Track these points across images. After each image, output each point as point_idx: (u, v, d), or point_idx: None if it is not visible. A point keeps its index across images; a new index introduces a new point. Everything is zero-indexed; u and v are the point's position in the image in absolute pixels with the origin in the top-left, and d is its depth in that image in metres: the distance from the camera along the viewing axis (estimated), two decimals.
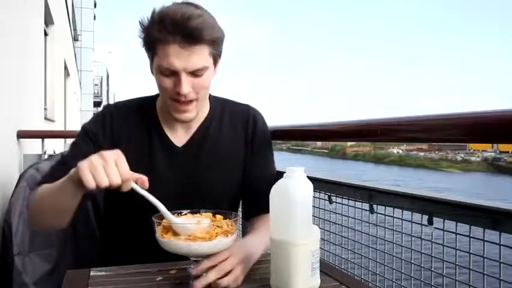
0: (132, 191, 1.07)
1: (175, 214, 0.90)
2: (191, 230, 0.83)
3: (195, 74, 1.03)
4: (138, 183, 0.86)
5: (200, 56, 1.02)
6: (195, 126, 1.16)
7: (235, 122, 1.20)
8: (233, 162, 1.18)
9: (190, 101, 1.06)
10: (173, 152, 1.13)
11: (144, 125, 1.14)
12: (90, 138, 1.10)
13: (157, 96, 1.19)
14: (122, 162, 0.84)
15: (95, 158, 0.83)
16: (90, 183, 0.81)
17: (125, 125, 1.14)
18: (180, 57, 1.00)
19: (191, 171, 1.13)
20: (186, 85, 1.02)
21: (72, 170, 0.88)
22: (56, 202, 0.95)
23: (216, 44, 1.06)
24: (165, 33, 0.99)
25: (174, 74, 1.02)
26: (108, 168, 0.82)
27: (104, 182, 0.81)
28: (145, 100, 1.19)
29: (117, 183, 0.83)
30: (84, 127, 1.15)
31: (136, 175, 0.86)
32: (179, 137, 1.15)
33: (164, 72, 1.03)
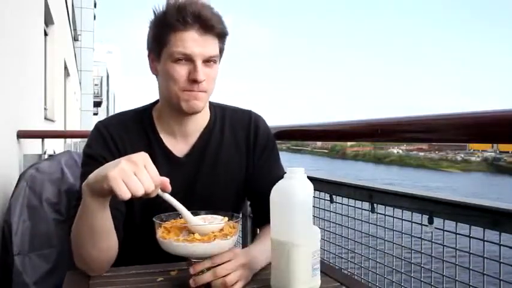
0: None
1: (176, 216, 0.91)
2: (205, 229, 0.84)
3: (208, 62, 1.04)
4: (161, 187, 0.84)
5: (214, 45, 1.05)
6: (195, 136, 1.14)
7: (236, 130, 1.18)
8: (235, 171, 1.16)
9: (201, 91, 1.05)
10: (174, 163, 1.11)
11: (143, 138, 1.12)
12: (100, 162, 0.96)
13: (152, 106, 1.17)
14: (152, 167, 0.80)
15: (125, 164, 0.77)
16: (125, 194, 0.76)
17: (126, 141, 1.10)
18: (198, 43, 1.02)
19: (192, 181, 1.12)
20: (202, 72, 1.02)
21: (92, 180, 0.82)
22: (88, 228, 0.90)
23: (223, 39, 1.08)
24: (183, 20, 1.00)
25: (189, 61, 1.02)
26: (141, 175, 0.78)
27: (140, 191, 0.77)
28: (140, 113, 1.16)
29: (151, 190, 0.79)
30: (88, 153, 1.09)
31: (161, 178, 0.83)
32: (179, 148, 1.13)
33: (178, 60, 1.02)
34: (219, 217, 0.89)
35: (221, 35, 1.07)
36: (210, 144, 1.15)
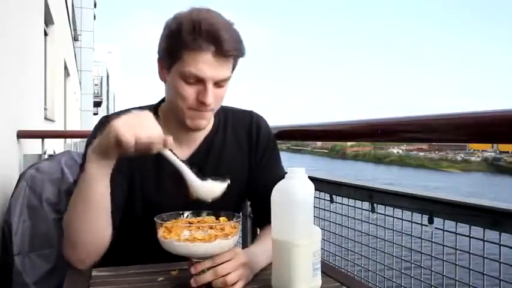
0: (135, 191, 1.07)
1: (177, 215, 0.92)
2: (210, 194, 0.88)
3: (218, 84, 1.02)
4: (164, 143, 0.86)
5: (227, 67, 1.02)
6: (199, 139, 1.14)
7: (238, 131, 1.18)
8: (237, 171, 1.16)
9: (208, 111, 1.04)
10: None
11: None
12: None
13: (157, 106, 1.16)
14: (154, 121, 0.84)
15: (128, 116, 0.83)
16: (129, 140, 0.80)
17: None
18: (211, 67, 0.98)
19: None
20: (212, 95, 1.00)
21: (97, 140, 0.86)
22: (85, 201, 0.90)
23: (239, 58, 1.05)
24: (199, 41, 0.96)
25: (199, 82, 1.00)
26: (144, 125, 0.82)
27: (144, 136, 0.81)
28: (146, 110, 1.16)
29: (153, 138, 0.83)
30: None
31: (163, 135, 0.85)
32: (183, 150, 1.12)
33: (188, 80, 0.99)
34: (219, 183, 0.91)
35: (236, 56, 1.04)
36: (214, 146, 1.15)
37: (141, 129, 0.81)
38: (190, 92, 1.01)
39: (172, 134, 1.11)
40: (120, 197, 1.05)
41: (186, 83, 1.00)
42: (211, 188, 0.90)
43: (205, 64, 0.98)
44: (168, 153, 0.88)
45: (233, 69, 1.06)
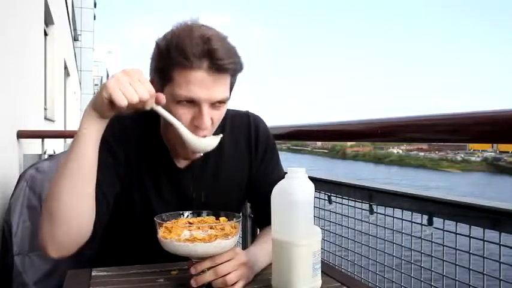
0: (133, 193, 1.07)
1: (177, 215, 0.92)
2: (202, 147, 0.93)
3: (215, 105, 0.95)
4: (156, 100, 0.87)
5: (224, 85, 0.95)
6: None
7: (236, 135, 1.16)
8: (237, 176, 1.15)
9: (204, 136, 0.97)
10: (176, 174, 1.09)
11: (147, 143, 1.08)
12: (104, 144, 0.93)
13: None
14: (145, 80, 0.85)
15: (120, 75, 0.83)
16: (122, 101, 0.81)
17: (132, 140, 1.07)
18: (205, 86, 0.91)
19: (194, 191, 1.10)
20: (208, 118, 0.94)
21: (93, 98, 0.86)
22: (71, 160, 0.87)
23: (236, 74, 0.99)
24: (190, 57, 0.89)
25: (194, 104, 0.93)
26: (136, 85, 0.83)
27: (135, 98, 0.82)
28: (148, 116, 1.08)
29: (146, 98, 0.84)
30: None
31: (155, 93, 0.86)
32: (181, 159, 1.10)
33: (182, 102, 0.93)
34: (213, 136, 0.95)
35: (233, 72, 0.97)
36: (213, 152, 1.13)
37: (133, 89, 0.82)
38: (184, 116, 0.94)
39: (171, 144, 1.08)
40: (109, 190, 1.01)
41: (179, 105, 0.94)
42: (205, 141, 0.94)
43: (199, 84, 0.91)
44: (160, 109, 0.89)
45: (231, 89, 1.00)
